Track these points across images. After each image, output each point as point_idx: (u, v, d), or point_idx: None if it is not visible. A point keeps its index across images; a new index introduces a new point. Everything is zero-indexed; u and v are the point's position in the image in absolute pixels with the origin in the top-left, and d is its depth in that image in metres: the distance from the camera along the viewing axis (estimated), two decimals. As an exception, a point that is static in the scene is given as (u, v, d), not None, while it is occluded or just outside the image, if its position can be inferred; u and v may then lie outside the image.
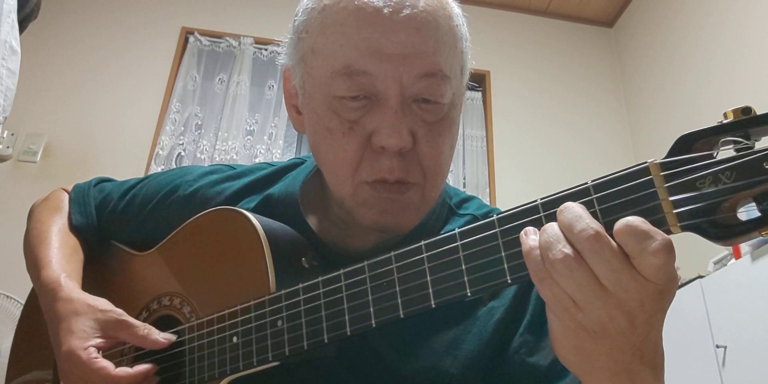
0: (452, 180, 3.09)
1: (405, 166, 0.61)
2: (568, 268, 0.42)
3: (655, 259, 0.41)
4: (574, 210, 0.44)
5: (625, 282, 0.42)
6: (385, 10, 0.59)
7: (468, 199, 0.79)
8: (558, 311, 0.44)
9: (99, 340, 0.67)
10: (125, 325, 0.67)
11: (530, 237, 0.45)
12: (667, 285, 0.43)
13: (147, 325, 0.68)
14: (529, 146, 3.29)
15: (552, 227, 0.44)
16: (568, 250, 0.43)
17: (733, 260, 2.14)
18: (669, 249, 0.41)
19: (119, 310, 0.69)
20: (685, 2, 3.12)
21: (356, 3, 0.60)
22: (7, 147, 2.78)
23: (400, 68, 0.59)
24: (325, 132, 0.62)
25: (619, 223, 0.42)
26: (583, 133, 3.39)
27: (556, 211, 0.46)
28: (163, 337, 0.67)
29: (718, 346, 1.94)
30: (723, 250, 2.29)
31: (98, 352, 0.66)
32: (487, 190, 3.08)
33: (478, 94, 3.37)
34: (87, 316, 0.68)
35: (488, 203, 0.78)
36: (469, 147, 3.20)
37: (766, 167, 0.39)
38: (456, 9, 0.66)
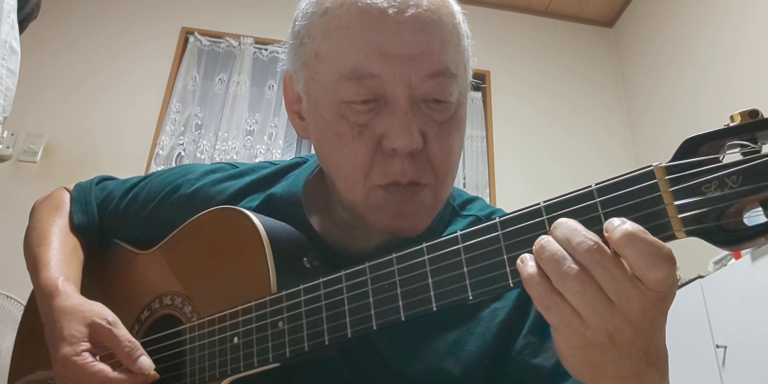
0: (452, 180, 3.08)
1: (416, 167, 0.60)
2: (581, 284, 0.41)
3: (658, 273, 0.40)
4: (568, 224, 0.43)
5: (627, 290, 0.41)
6: (390, 11, 0.59)
7: (471, 199, 0.79)
8: (566, 333, 0.44)
9: (89, 345, 0.66)
10: (110, 335, 0.66)
11: (528, 264, 0.44)
12: (668, 292, 0.42)
13: (133, 343, 0.66)
14: (530, 146, 3.29)
15: (551, 244, 0.43)
16: (576, 265, 0.42)
17: (733, 260, 2.14)
18: (672, 262, 0.41)
19: (112, 317, 0.68)
20: (685, 2, 3.12)
21: (359, 5, 0.59)
22: (7, 147, 2.78)
23: (408, 69, 0.59)
24: (335, 137, 0.62)
25: (618, 233, 0.41)
26: (583, 133, 3.38)
27: (558, 214, 0.45)
28: (142, 362, 0.65)
29: (718, 346, 1.94)
30: (723, 251, 2.29)
31: (93, 356, 0.66)
32: (487, 190, 3.08)
33: (478, 94, 3.37)
34: (78, 322, 0.68)
35: (489, 203, 0.77)
36: (469, 147, 3.20)
37: None
38: (456, 6, 0.65)
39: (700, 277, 2.17)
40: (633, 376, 0.44)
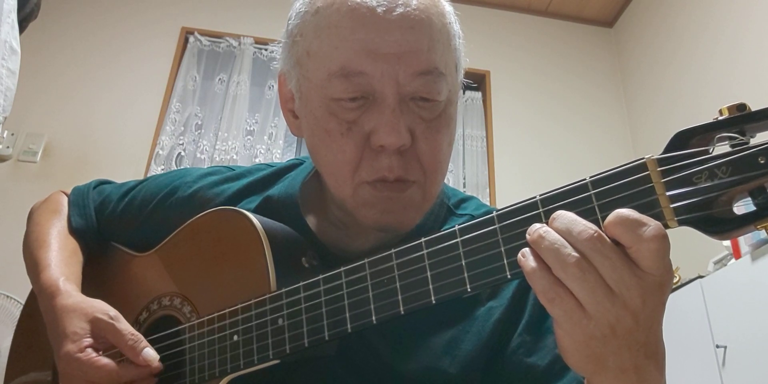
0: (452, 180, 3.09)
1: (404, 164, 0.61)
2: (582, 271, 0.42)
3: (651, 244, 0.41)
4: (568, 215, 0.44)
5: (627, 279, 0.42)
6: (379, 10, 0.60)
7: (466, 199, 0.80)
8: (569, 326, 0.44)
9: (91, 341, 0.67)
10: (112, 330, 0.67)
11: (530, 258, 0.45)
12: (665, 276, 0.43)
13: (136, 335, 0.67)
14: (530, 146, 3.29)
15: (550, 234, 0.44)
16: (577, 253, 0.43)
17: (733, 260, 2.14)
18: (662, 234, 0.42)
19: (114, 313, 0.69)
20: (685, 2, 3.12)
21: (349, 4, 0.60)
22: (7, 147, 2.78)
23: (396, 67, 0.59)
24: (324, 134, 0.63)
25: (610, 217, 0.43)
26: (583, 132, 3.39)
27: (554, 207, 0.46)
28: (147, 354, 0.66)
29: (718, 346, 1.94)
30: (723, 250, 2.29)
31: (97, 352, 0.66)
32: (487, 190, 3.08)
33: (478, 94, 3.37)
34: (80, 318, 0.68)
35: (488, 203, 0.78)
36: (469, 147, 3.20)
37: (761, 162, 0.40)
38: (448, 7, 0.66)
39: (700, 277, 2.17)
40: (632, 368, 0.45)
